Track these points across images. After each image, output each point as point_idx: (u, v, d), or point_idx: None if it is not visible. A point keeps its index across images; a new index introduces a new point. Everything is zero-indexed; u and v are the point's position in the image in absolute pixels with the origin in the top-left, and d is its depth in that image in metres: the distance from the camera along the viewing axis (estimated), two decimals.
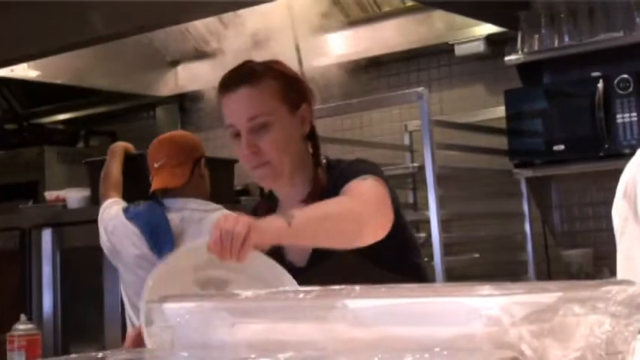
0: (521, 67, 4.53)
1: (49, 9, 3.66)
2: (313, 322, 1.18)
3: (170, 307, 1.33)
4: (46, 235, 4.78)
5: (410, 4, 4.80)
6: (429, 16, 4.78)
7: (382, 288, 1.24)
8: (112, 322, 4.27)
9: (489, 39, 4.70)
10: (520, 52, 4.41)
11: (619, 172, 1.87)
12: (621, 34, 4.16)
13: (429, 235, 3.99)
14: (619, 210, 1.84)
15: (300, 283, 1.87)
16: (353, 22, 5.03)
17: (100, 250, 3.66)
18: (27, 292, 4.82)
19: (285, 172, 2.15)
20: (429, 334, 1.07)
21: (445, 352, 1.04)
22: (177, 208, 3.48)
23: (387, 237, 2.01)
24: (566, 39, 4.30)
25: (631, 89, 4.09)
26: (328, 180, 2.18)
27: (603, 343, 1.08)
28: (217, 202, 3.54)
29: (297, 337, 1.18)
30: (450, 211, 4.37)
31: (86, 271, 4.57)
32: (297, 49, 4.47)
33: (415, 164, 4.92)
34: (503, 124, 4.54)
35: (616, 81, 4.13)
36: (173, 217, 3.45)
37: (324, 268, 2.06)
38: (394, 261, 2.12)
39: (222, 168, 4.31)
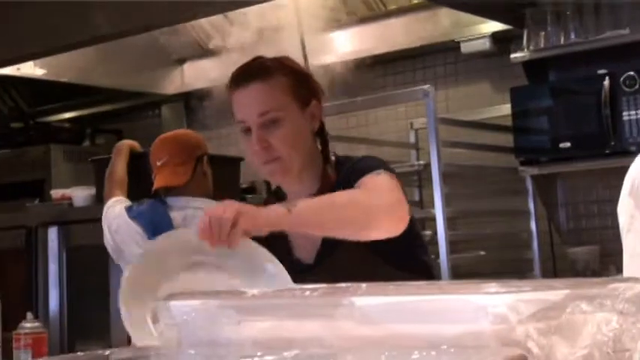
0: (527, 65, 4.52)
1: (54, 8, 3.66)
2: (320, 320, 1.18)
3: (176, 304, 1.33)
4: (52, 234, 4.78)
5: (416, 1, 4.81)
6: (435, 13, 4.78)
7: (389, 285, 1.24)
8: (118, 320, 4.22)
9: (495, 36, 4.70)
10: (526, 50, 4.41)
11: (625, 169, 1.86)
12: (627, 31, 4.16)
13: (435, 233, 3.99)
14: (625, 207, 1.83)
15: (308, 280, 1.86)
16: (359, 20, 5.03)
17: (106, 248, 3.66)
18: (33, 291, 4.82)
19: (294, 168, 2.15)
20: (436, 331, 1.07)
21: (452, 350, 1.04)
22: (180, 206, 3.48)
23: None
24: (572, 36, 4.30)
25: (637, 86, 4.08)
26: (337, 176, 2.18)
27: (610, 341, 1.07)
28: (223, 199, 3.53)
29: (304, 334, 1.18)
30: (456, 208, 4.37)
31: (92, 269, 4.57)
32: (303, 47, 4.47)
33: (421, 162, 4.93)
34: (509, 122, 4.53)
35: (622, 78, 4.12)
36: (176, 216, 3.45)
37: (332, 265, 2.06)
38: (402, 259, 2.12)
39: (228, 166, 4.31)
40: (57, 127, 6.15)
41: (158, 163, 3.53)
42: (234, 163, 4.37)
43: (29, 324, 2.77)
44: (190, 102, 6.01)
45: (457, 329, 1.05)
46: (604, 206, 4.54)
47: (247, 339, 1.23)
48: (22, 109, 6.26)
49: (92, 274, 4.58)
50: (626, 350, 1.09)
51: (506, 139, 4.53)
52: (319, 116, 2.22)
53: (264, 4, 3.88)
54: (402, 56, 5.12)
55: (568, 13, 4.31)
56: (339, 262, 2.04)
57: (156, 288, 1.77)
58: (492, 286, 1.09)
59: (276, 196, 2.30)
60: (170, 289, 1.70)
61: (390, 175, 2.07)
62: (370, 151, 4.08)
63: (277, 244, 2.11)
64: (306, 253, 2.17)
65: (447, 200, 3.95)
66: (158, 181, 3.51)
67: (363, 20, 5.03)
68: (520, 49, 4.43)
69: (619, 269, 1.85)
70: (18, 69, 4.95)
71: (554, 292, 1.05)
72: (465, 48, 4.79)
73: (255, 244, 1.87)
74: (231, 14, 4.72)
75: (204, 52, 5.49)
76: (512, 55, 4.46)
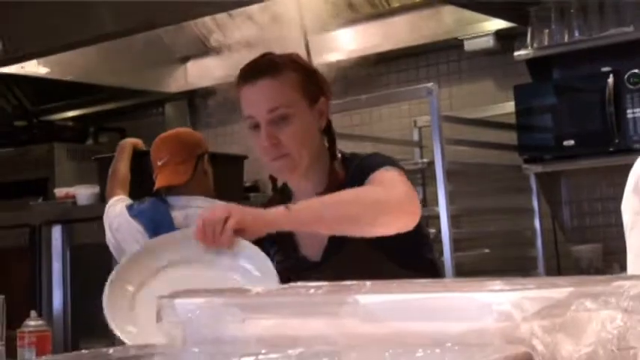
0: (531, 63, 4.52)
1: (57, 6, 3.66)
2: (324, 318, 1.18)
3: (181, 302, 1.33)
4: (56, 232, 4.79)
5: None
6: (439, 11, 4.77)
7: (393, 283, 1.24)
8: None
9: (499, 34, 4.69)
10: (530, 48, 4.40)
11: (629, 167, 1.86)
12: (631, 28, 4.15)
13: (439, 231, 3.98)
14: (629, 205, 1.83)
15: (315, 277, 1.87)
16: (362, 18, 5.03)
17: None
18: (37, 289, 4.83)
19: (303, 165, 2.14)
20: (440, 329, 1.07)
21: (456, 348, 1.04)
22: (181, 205, 3.49)
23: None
24: (576, 34, 4.29)
25: None
26: (345, 173, 2.18)
27: (615, 339, 1.07)
28: (226, 198, 3.53)
29: (308, 332, 1.18)
30: (460, 206, 4.37)
31: (96, 268, 4.56)
32: (307, 45, 4.47)
33: (424, 160, 4.93)
34: (512, 120, 4.53)
35: (626, 76, 4.11)
36: (177, 215, 3.46)
37: (338, 263, 2.06)
38: (408, 256, 2.12)
39: (232, 164, 4.31)
40: (60, 126, 6.17)
41: (159, 163, 3.54)
42: (238, 161, 4.37)
43: (33, 322, 2.77)
44: (194, 100, 6.01)
45: (461, 327, 1.05)
46: (608, 204, 4.54)
47: (252, 337, 1.23)
48: (25, 108, 6.27)
49: (96, 272, 4.54)
50: (630, 348, 1.09)
51: (510, 137, 4.53)
52: (327, 113, 2.22)
53: (267, 3, 3.88)
54: (406, 54, 5.12)
55: (572, 10, 4.30)
56: (345, 260, 2.04)
57: (141, 281, 1.82)
58: (497, 283, 1.09)
59: (282, 193, 2.30)
60: (155, 286, 1.74)
61: (399, 170, 2.08)
62: (374, 149, 4.04)
63: (284, 241, 2.12)
64: (312, 251, 2.17)
65: (450, 198, 3.95)
66: (159, 181, 3.52)
67: (367, 18, 5.03)
68: (524, 46, 4.43)
69: (623, 267, 1.85)
70: (22, 67, 4.96)
71: (559, 290, 1.05)
72: (469, 46, 4.79)
73: (248, 244, 1.88)
74: (235, 12, 4.72)
75: (207, 50, 5.49)
76: (516, 53, 4.45)
